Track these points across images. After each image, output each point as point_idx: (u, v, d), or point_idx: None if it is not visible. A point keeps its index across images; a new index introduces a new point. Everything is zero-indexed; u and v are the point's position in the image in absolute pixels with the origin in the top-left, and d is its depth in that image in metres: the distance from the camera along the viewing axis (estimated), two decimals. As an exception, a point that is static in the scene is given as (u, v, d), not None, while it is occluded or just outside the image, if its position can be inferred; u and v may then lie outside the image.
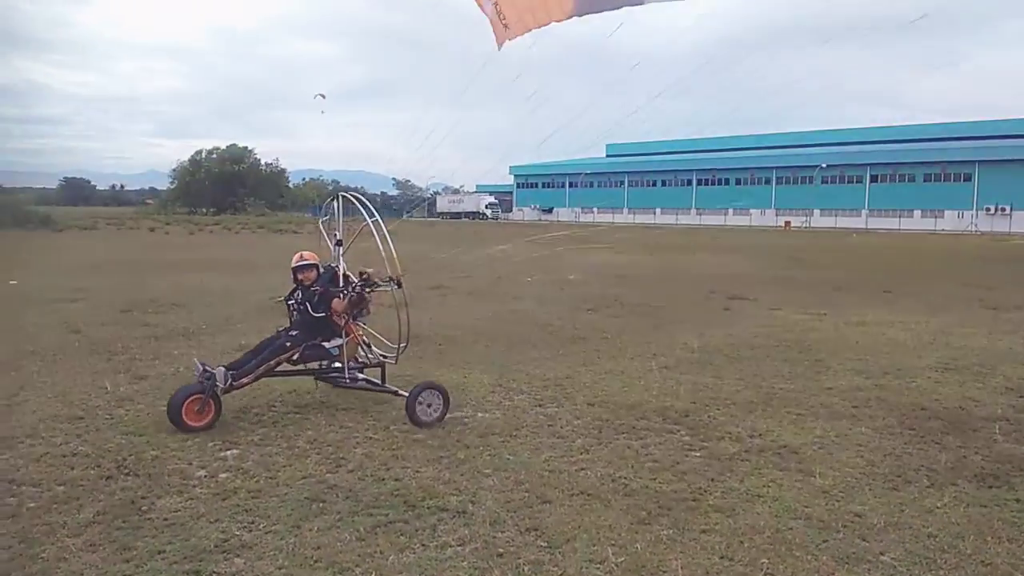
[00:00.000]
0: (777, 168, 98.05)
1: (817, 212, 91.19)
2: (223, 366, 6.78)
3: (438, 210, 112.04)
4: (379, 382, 7.50)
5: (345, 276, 7.50)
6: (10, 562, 4.14)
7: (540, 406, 7.58)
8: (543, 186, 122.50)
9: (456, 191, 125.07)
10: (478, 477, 5.53)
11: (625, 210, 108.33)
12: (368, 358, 7.62)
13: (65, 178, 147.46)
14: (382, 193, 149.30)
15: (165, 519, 4.70)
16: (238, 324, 12.27)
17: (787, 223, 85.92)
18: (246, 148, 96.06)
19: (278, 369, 7.12)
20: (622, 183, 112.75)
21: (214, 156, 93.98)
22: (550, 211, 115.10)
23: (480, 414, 7.23)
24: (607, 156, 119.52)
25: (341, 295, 7.25)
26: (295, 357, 7.14)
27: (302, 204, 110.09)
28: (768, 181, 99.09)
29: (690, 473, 5.65)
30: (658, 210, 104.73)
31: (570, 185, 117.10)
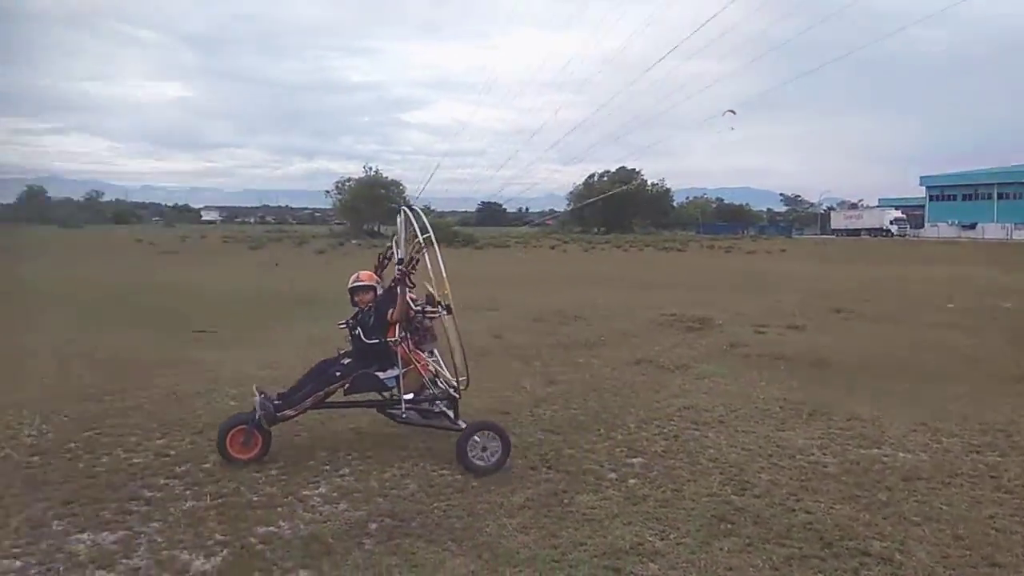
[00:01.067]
0: None
1: None
2: (271, 398, 6.26)
3: (832, 227, 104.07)
4: (452, 416, 6.55)
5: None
6: (463, 531, 4.85)
7: (977, 452, 6.51)
8: (963, 198, 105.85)
9: (854, 206, 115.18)
10: (905, 524, 4.93)
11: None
12: (439, 390, 6.70)
13: (481, 202, 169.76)
14: (768, 210, 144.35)
15: (584, 514, 5.08)
16: (633, 338, 12.83)
17: None
18: (633, 170, 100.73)
19: (332, 400, 6.50)
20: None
21: (605, 179, 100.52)
22: (972, 226, 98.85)
23: (901, 454, 6.47)
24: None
25: (393, 298, 6.50)
26: (345, 387, 6.45)
27: (686, 222, 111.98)
28: None
29: None
30: None
31: (999, 197, 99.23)
